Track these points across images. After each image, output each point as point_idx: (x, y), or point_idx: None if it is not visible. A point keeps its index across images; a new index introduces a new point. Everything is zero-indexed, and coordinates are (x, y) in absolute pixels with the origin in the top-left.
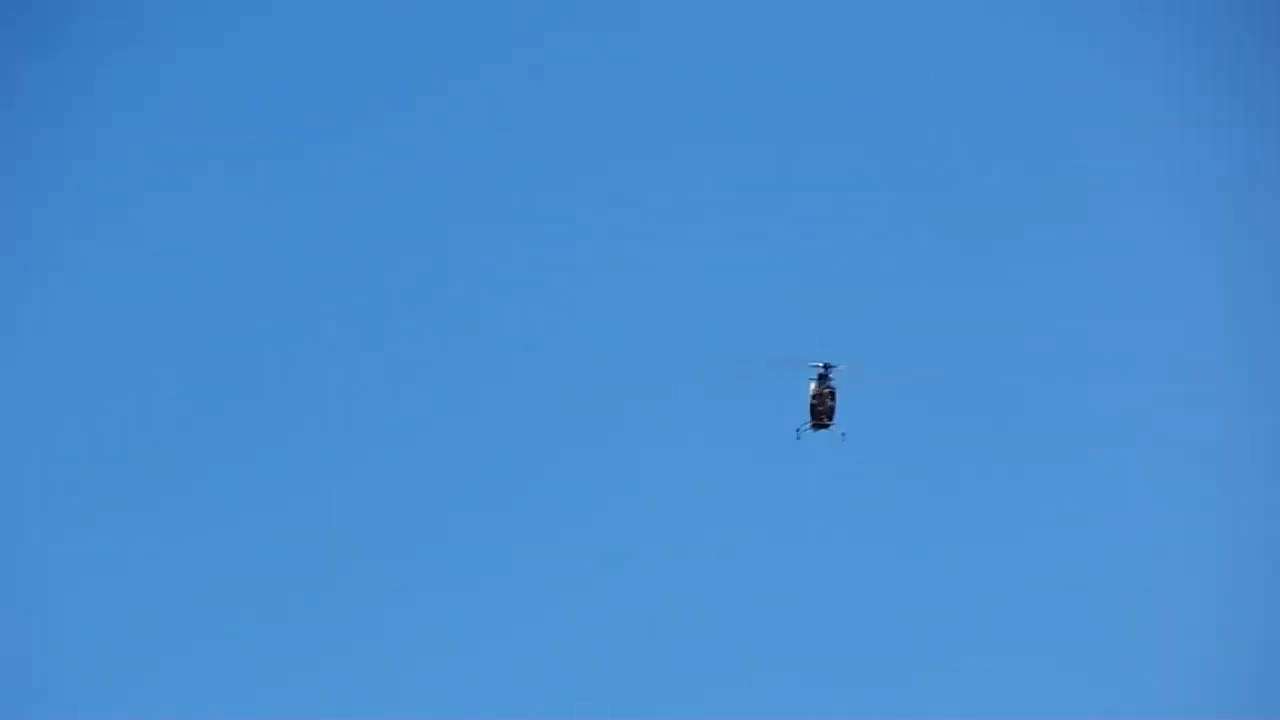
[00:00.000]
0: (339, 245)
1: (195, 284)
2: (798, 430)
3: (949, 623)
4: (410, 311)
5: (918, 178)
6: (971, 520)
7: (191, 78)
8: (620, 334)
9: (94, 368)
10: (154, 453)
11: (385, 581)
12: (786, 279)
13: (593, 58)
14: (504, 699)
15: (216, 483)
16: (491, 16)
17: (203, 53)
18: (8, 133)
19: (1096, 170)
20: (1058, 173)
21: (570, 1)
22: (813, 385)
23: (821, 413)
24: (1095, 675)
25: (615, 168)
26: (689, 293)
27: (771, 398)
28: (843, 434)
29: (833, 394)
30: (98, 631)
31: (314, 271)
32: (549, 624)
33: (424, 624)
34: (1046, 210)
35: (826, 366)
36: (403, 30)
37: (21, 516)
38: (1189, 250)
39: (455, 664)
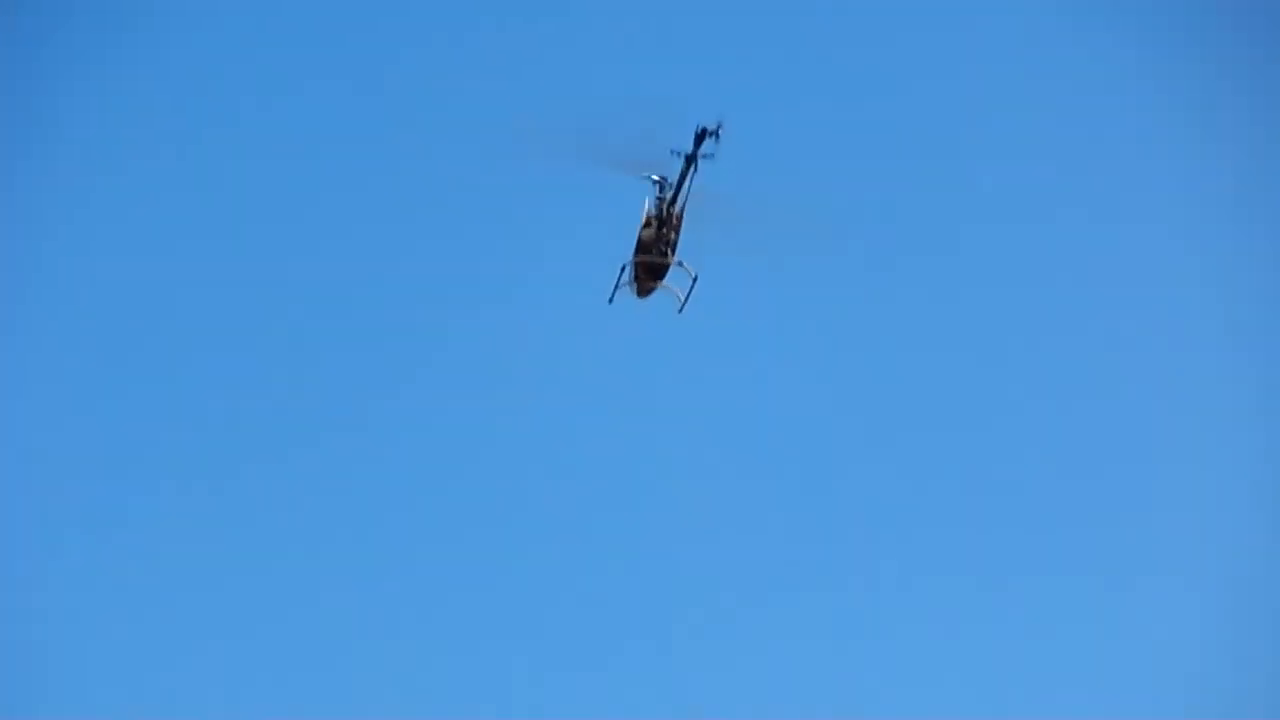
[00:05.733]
0: (334, 249)
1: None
2: (614, 288)
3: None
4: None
5: None
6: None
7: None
8: None
9: (88, 368)
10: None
11: (379, 580)
12: None
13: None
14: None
15: (212, 483)
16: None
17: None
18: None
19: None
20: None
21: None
22: (647, 206)
23: (651, 260)
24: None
25: None
26: None
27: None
28: (694, 277)
29: (677, 224)
30: (96, 632)
31: (310, 277)
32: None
33: (410, 621)
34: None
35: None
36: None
37: (21, 517)
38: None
39: (445, 663)
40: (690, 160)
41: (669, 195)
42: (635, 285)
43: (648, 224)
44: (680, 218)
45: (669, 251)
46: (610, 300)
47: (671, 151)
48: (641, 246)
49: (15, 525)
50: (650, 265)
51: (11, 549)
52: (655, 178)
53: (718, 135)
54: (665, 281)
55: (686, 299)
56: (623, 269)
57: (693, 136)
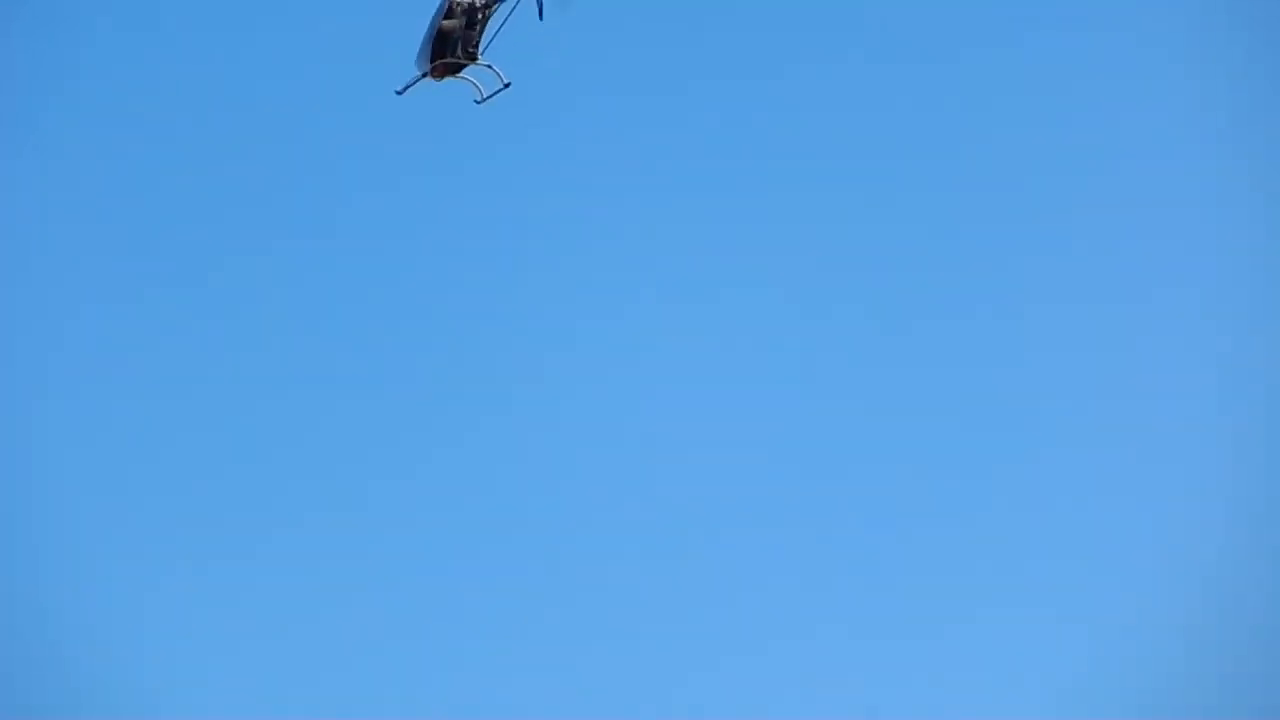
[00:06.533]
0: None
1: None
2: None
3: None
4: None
5: None
6: None
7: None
8: None
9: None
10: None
11: (379, 581)
12: None
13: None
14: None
15: (215, 483)
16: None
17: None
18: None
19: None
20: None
21: None
22: None
23: (451, 41)
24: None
25: None
26: None
27: None
28: (507, 84)
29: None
30: (100, 631)
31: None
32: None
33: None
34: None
35: None
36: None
37: (24, 513)
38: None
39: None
40: None
41: None
42: (431, 74)
43: (450, 13)
44: (490, 11)
45: (476, 52)
46: (400, 91)
47: None
48: (441, 38)
49: (15, 525)
50: (451, 66)
51: (12, 549)
52: None
53: None
54: (465, 75)
55: (490, 96)
56: (422, 75)
57: None
